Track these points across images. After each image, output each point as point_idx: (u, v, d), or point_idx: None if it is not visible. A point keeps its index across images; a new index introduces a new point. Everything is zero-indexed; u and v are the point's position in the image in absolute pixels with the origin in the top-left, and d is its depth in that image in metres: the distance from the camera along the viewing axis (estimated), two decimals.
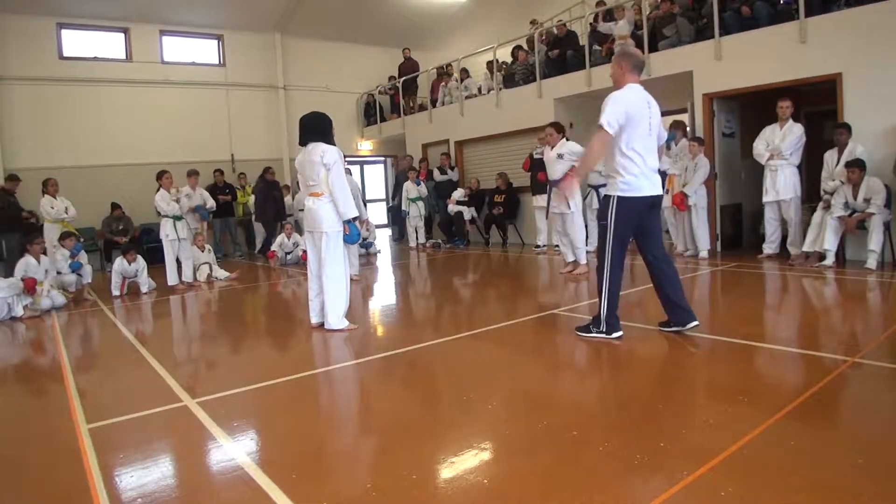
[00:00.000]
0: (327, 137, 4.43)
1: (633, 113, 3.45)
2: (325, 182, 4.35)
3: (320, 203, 4.39)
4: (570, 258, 6.70)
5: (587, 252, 8.43)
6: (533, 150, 8.96)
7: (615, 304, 3.69)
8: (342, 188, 4.35)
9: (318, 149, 4.35)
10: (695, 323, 3.68)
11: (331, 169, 4.32)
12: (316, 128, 4.44)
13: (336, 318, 4.45)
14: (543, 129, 8.96)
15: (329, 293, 4.44)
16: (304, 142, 4.48)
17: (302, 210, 6.72)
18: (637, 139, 3.49)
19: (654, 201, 3.67)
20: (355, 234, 4.53)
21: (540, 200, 8.94)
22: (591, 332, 3.76)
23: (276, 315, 6.00)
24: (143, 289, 7.31)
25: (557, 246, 9.00)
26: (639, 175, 3.51)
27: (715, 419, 2.51)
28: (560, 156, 6.32)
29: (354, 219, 4.48)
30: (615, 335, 3.71)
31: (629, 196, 3.54)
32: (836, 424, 2.54)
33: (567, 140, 6.47)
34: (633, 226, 3.62)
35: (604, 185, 8.36)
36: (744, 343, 3.51)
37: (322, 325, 4.55)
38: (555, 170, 6.38)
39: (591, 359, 3.62)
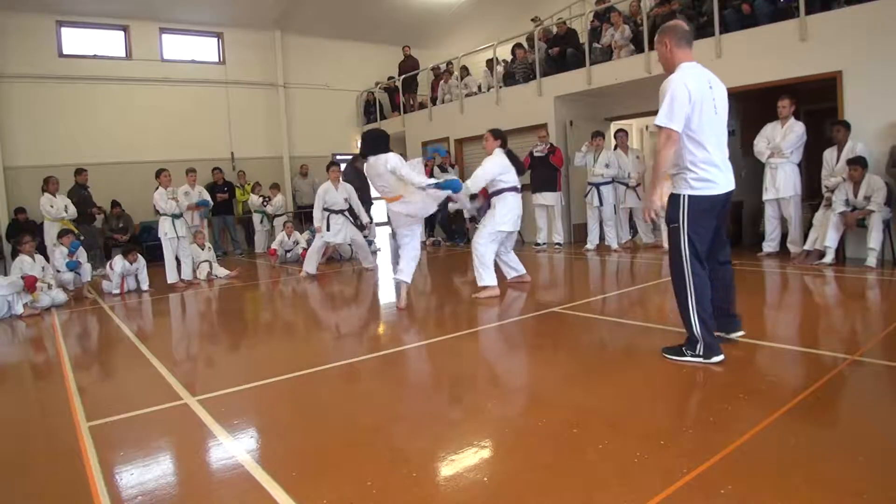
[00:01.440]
0: (384, 148, 4.95)
1: (696, 97, 2.94)
2: (397, 186, 4.89)
3: (400, 206, 4.98)
4: (512, 274, 5.92)
5: (587, 249, 8.50)
6: (533, 148, 8.95)
7: (710, 318, 3.10)
8: (412, 175, 4.84)
9: (381, 159, 4.85)
10: (741, 332, 3.41)
11: (398, 170, 4.80)
12: (373, 141, 4.98)
13: (407, 275, 5.15)
14: (543, 127, 9.06)
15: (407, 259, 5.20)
16: (365, 154, 5.00)
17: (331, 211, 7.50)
18: (704, 126, 2.98)
19: (728, 197, 3.15)
20: (455, 184, 4.97)
21: (539, 198, 8.96)
22: (685, 356, 3.16)
23: (276, 313, 6.01)
24: (144, 287, 7.32)
25: (545, 243, 9.05)
26: (711, 167, 3.01)
27: (714, 417, 2.51)
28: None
29: (436, 185, 4.90)
30: (715, 359, 3.09)
31: (703, 194, 3.02)
32: (836, 422, 2.54)
33: (498, 153, 5.54)
34: (712, 226, 3.11)
35: (606, 184, 8.45)
36: (744, 341, 3.51)
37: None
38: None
39: (591, 357, 3.62)
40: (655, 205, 3.07)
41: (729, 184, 3.11)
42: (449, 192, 4.94)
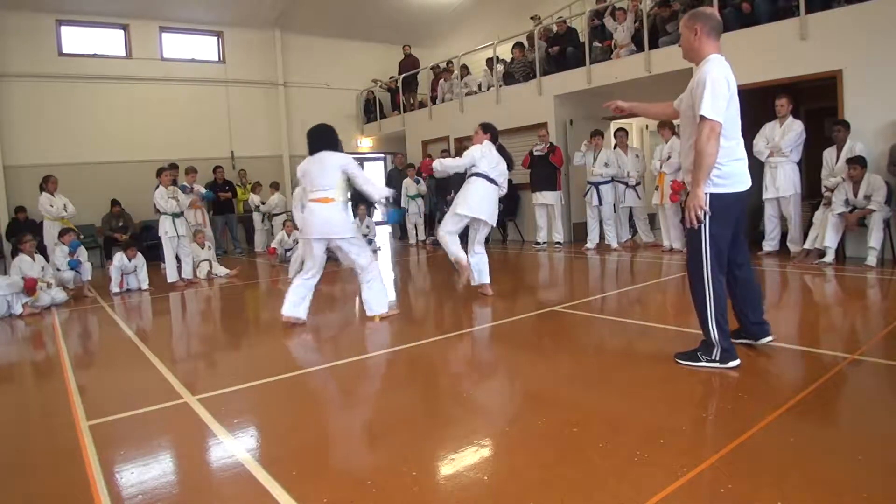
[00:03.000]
0: (337, 147, 4.65)
1: (731, 91, 2.85)
2: (340, 188, 4.51)
3: (334, 209, 4.49)
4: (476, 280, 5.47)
5: (587, 248, 8.49)
6: (533, 147, 8.96)
7: (726, 323, 2.99)
8: (367, 179, 4.71)
9: (334, 156, 4.54)
10: (770, 338, 3.26)
11: (351, 170, 4.55)
12: (327, 138, 4.63)
13: (382, 306, 4.70)
14: (543, 126, 9.05)
15: (372, 285, 4.69)
16: (314, 150, 4.61)
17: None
18: (732, 121, 2.90)
19: (748, 196, 3.07)
20: (393, 215, 4.91)
21: (539, 198, 8.96)
22: (700, 361, 3.06)
23: (276, 312, 5.99)
24: (143, 286, 7.32)
25: (545, 242, 9.05)
26: (736, 163, 2.92)
27: (714, 416, 2.52)
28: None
29: (385, 199, 4.82)
30: (732, 364, 2.99)
31: (727, 191, 2.91)
32: (836, 421, 2.54)
33: (486, 144, 5.31)
34: (732, 226, 2.99)
35: (606, 183, 8.44)
36: (743, 340, 3.51)
37: (297, 320, 4.70)
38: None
39: (591, 356, 3.62)
40: (702, 200, 2.86)
41: (748, 182, 3.01)
42: (377, 197, 4.80)
